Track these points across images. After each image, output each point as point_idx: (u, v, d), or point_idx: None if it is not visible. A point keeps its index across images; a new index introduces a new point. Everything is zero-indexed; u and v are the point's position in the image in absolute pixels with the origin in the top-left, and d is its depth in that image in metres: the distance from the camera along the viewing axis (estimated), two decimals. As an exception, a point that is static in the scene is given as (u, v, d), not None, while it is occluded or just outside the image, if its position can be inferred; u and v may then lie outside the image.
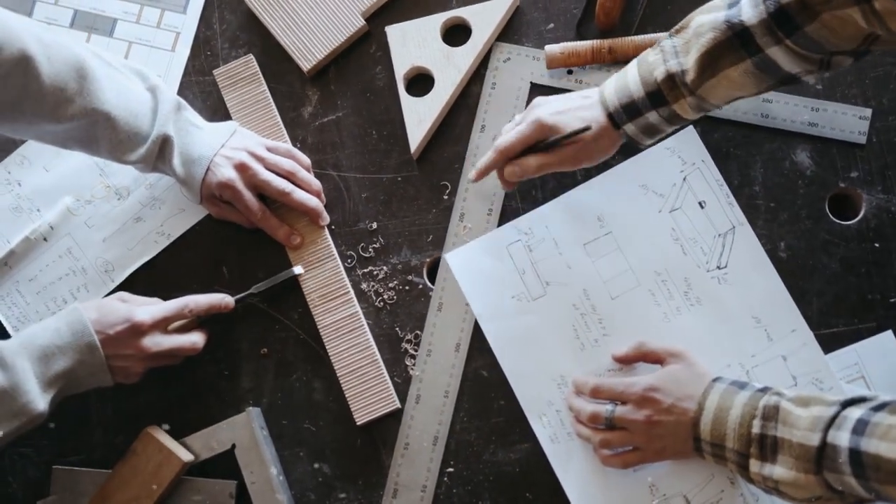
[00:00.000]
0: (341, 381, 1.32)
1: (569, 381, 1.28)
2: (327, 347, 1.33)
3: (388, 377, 1.32)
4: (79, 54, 1.22)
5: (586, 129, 1.21)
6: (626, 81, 1.20)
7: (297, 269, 1.35)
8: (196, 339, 1.30)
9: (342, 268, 1.36)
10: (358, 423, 1.30)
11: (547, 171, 1.25)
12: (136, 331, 1.23)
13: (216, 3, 1.47)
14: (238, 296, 1.34)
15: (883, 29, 0.99)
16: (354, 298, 1.35)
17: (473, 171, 1.30)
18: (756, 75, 1.12)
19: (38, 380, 1.18)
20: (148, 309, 1.25)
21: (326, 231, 1.37)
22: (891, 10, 0.95)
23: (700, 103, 1.16)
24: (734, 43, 1.10)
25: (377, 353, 1.33)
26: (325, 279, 1.35)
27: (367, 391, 1.31)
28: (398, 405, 1.31)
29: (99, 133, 1.25)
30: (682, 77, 1.14)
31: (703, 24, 1.12)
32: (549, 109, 1.23)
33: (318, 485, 1.32)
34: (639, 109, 1.19)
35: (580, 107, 1.23)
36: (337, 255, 1.36)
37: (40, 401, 1.17)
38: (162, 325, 1.26)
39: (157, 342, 1.25)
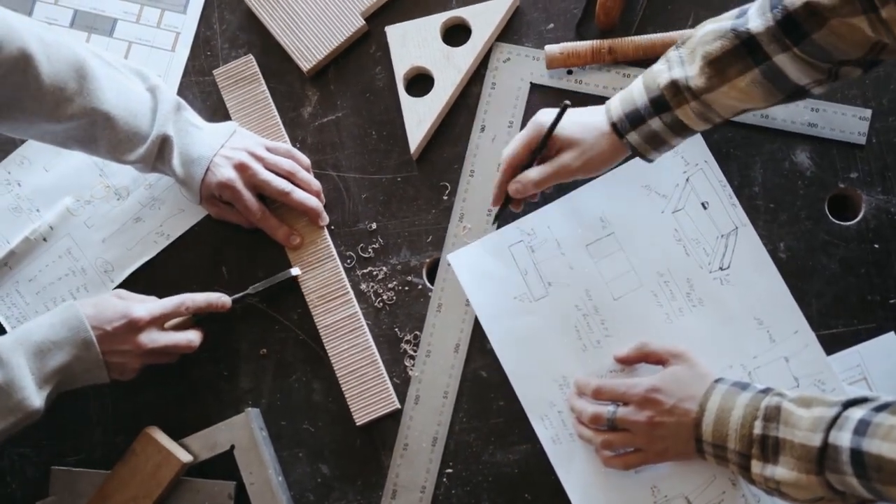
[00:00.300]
0: (341, 382, 1.32)
1: (570, 382, 1.28)
2: (327, 348, 1.33)
3: (387, 378, 1.32)
4: (79, 54, 1.22)
5: (566, 105, 1.20)
6: (631, 92, 1.19)
7: (295, 271, 1.35)
8: (192, 336, 1.30)
9: (342, 268, 1.36)
10: (357, 424, 1.30)
11: (548, 183, 1.24)
12: (133, 327, 1.23)
13: (216, 3, 1.47)
14: (235, 296, 1.33)
15: (890, 37, 0.98)
16: (354, 299, 1.35)
17: (493, 195, 1.30)
18: (764, 86, 1.11)
19: (33, 376, 1.17)
20: (145, 305, 1.25)
21: (326, 231, 1.37)
22: None
23: (704, 111, 1.15)
24: (741, 51, 1.09)
25: (377, 353, 1.33)
26: (325, 279, 1.35)
27: (366, 392, 1.31)
28: (398, 406, 1.31)
29: (98, 133, 1.25)
30: (685, 83, 1.14)
31: (709, 32, 1.12)
32: (549, 114, 1.23)
33: (317, 486, 1.32)
34: (642, 117, 1.18)
35: (582, 113, 1.24)
36: (336, 256, 1.36)
37: (36, 397, 1.17)
38: (159, 322, 1.26)
39: (154, 339, 1.25)
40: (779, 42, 1.06)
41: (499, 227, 1.34)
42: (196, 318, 1.33)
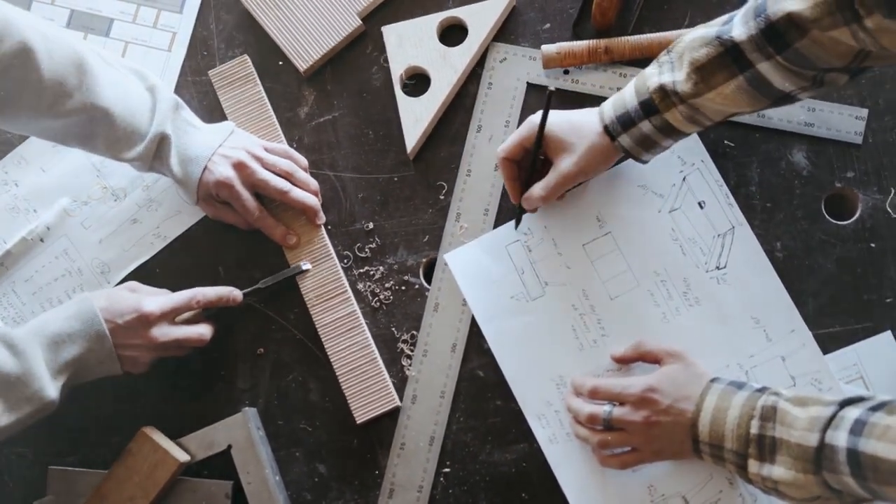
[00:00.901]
0: (340, 381, 1.32)
1: (567, 382, 1.28)
2: (326, 347, 1.33)
3: (387, 375, 1.32)
4: (78, 50, 1.22)
5: (550, 92, 1.21)
6: (623, 95, 1.21)
7: (306, 265, 1.35)
8: (203, 330, 1.30)
9: (339, 267, 1.36)
10: (358, 422, 1.30)
11: (554, 193, 1.25)
12: (145, 321, 1.23)
13: (212, 2, 1.47)
14: (246, 290, 1.34)
15: (875, 45, 0.99)
16: (352, 297, 1.35)
17: (510, 194, 1.31)
18: (750, 93, 1.11)
19: (48, 367, 1.18)
20: (156, 299, 1.26)
21: (323, 230, 1.37)
22: (883, 27, 0.95)
23: (693, 114, 1.16)
24: (725, 59, 1.10)
25: (376, 351, 1.33)
26: (323, 278, 1.35)
27: (366, 390, 1.31)
28: (398, 403, 1.31)
29: (97, 129, 1.25)
30: (673, 87, 1.14)
31: (696, 38, 1.13)
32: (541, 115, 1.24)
33: (314, 485, 1.32)
34: (632, 119, 1.19)
35: (578, 115, 1.25)
36: (334, 255, 1.36)
37: (51, 388, 1.18)
38: (170, 316, 1.27)
39: (165, 332, 1.26)
40: (762, 51, 1.07)
41: (495, 225, 1.35)
42: (207, 313, 1.33)
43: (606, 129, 1.21)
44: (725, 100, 1.13)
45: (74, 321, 1.21)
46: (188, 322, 1.30)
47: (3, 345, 1.17)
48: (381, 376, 1.32)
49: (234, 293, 1.32)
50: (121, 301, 1.24)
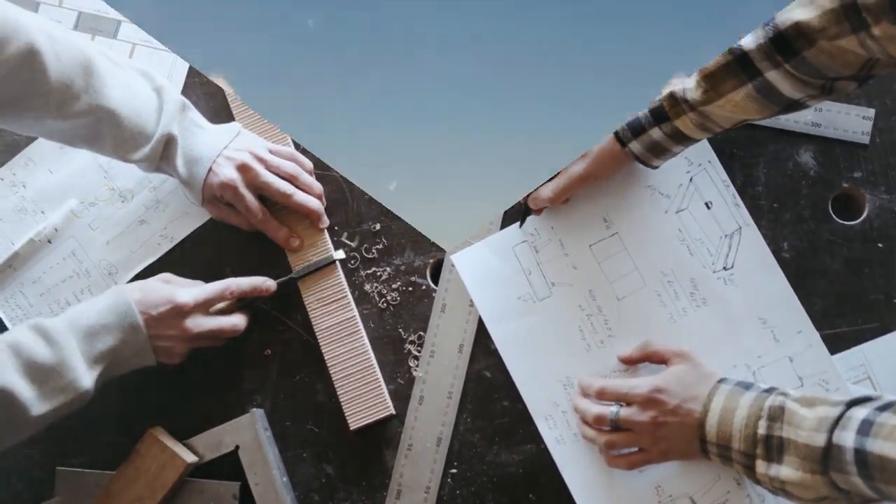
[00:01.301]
0: (336, 386, 1.31)
1: (574, 383, 1.28)
2: (323, 351, 1.32)
3: (383, 382, 1.32)
4: (86, 51, 1.23)
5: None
6: None
7: (339, 254, 1.35)
8: (237, 321, 1.30)
9: (341, 271, 1.36)
10: (351, 428, 1.30)
11: (562, 195, 1.26)
12: (179, 312, 1.24)
13: (219, 4, 1.47)
14: (280, 279, 1.34)
15: (883, 53, 0.99)
16: (352, 302, 1.34)
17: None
18: (759, 100, 1.12)
19: (83, 357, 1.19)
20: (190, 291, 1.27)
21: (326, 234, 1.37)
22: (891, 35, 0.95)
23: (703, 121, 1.16)
24: (734, 67, 1.10)
25: (373, 357, 1.32)
26: (324, 283, 1.35)
27: (360, 396, 1.31)
28: (392, 411, 1.31)
29: (104, 130, 1.25)
30: (683, 95, 1.15)
31: None
32: None
33: (321, 486, 1.32)
34: (642, 126, 1.19)
35: None
36: (336, 259, 1.36)
37: (87, 378, 1.18)
38: (204, 307, 1.28)
39: (199, 323, 1.26)
40: (770, 59, 1.07)
41: (503, 226, 1.35)
42: (241, 303, 1.33)
43: (617, 135, 1.22)
44: (735, 107, 1.13)
45: (109, 314, 1.21)
46: (222, 313, 1.31)
47: (38, 334, 1.18)
48: (377, 383, 1.31)
49: (267, 283, 1.33)
50: (154, 292, 1.25)
